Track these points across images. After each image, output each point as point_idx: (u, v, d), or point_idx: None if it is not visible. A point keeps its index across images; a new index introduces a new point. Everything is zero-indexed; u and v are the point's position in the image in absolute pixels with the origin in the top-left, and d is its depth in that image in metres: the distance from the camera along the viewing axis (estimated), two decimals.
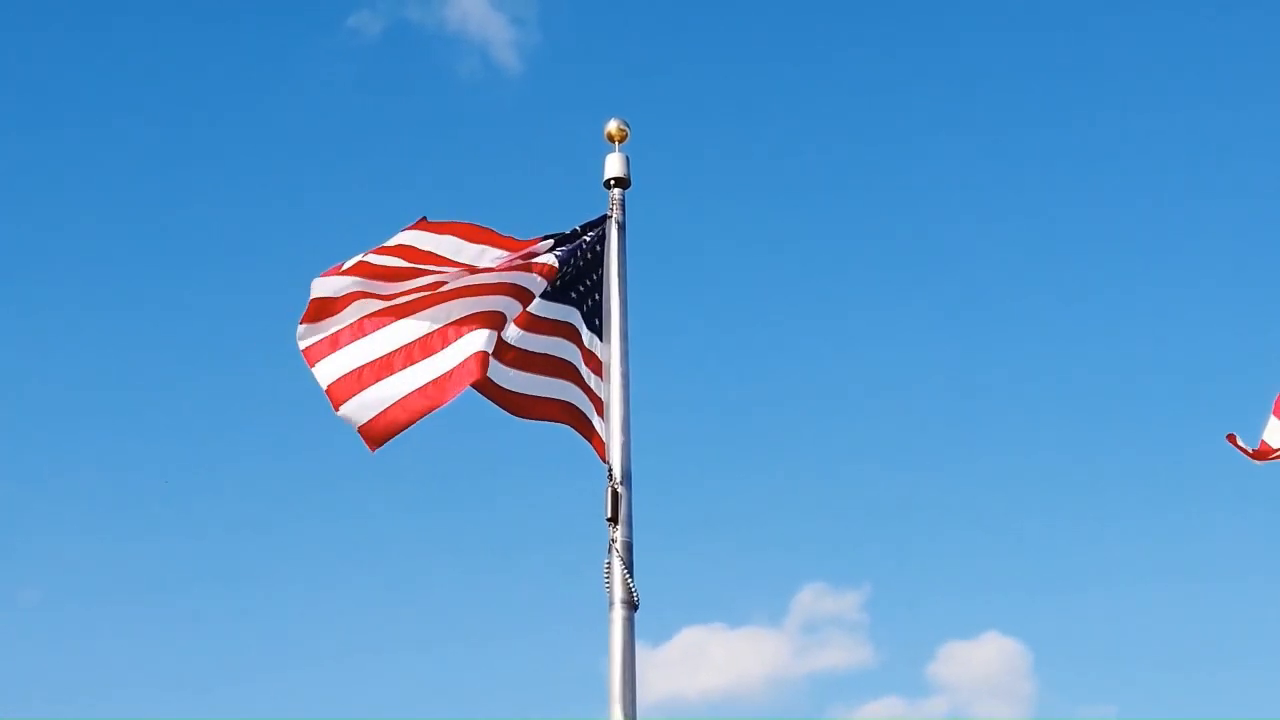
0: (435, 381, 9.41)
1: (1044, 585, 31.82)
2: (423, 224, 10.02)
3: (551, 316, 10.18)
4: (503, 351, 9.70)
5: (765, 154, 35.24)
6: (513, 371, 9.94)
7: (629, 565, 9.52)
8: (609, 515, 9.65)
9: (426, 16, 34.25)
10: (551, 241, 10.24)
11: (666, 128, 32.06)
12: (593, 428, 10.01)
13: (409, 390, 9.40)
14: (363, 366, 9.46)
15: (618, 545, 9.55)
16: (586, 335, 10.28)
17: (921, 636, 31.88)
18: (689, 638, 30.72)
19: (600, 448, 9.96)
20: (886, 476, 32.84)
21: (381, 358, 9.48)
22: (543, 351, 10.10)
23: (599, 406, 10.09)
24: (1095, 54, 35.99)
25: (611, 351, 10.22)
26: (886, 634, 31.19)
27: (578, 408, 10.05)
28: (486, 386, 9.65)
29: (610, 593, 9.44)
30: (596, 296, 10.40)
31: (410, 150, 34.28)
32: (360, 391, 9.40)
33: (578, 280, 10.28)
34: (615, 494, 9.72)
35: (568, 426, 10.05)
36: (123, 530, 30.64)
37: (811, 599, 31.94)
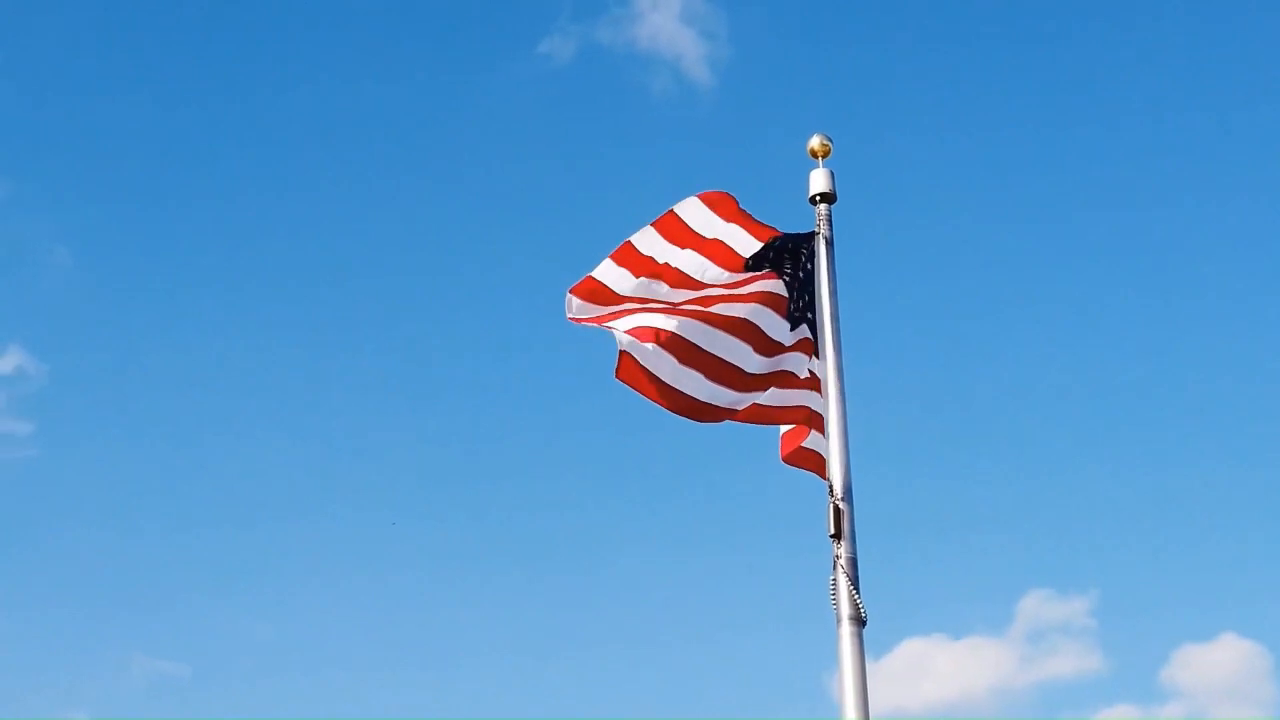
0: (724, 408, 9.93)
1: None
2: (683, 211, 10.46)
3: (799, 338, 10.31)
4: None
5: (972, 162, 34.81)
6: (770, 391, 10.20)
7: (854, 580, 9.49)
8: (832, 532, 9.65)
9: (616, 36, 34.61)
10: (782, 266, 10.35)
11: (868, 139, 31.86)
12: (813, 452, 10.06)
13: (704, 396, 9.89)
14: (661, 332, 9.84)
15: (842, 561, 9.53)
16: (815, 365, 10.32)
17: (1154, 641, 31.10)
18: (911, 649, 30.42)
19: (820, 465, 9.97)
20: (1110, 478, 32.16)
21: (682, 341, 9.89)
22: (788, 370, 10.24)
23: (819, 424, 10.10)
24: None
25: (826, 368, 10.23)
26: (1116, 639, 30.48)
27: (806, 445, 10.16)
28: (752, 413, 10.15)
29: (837, 609, 9.43)
30: (810, 315, 10.42)
31: (607, 170, 34.67)
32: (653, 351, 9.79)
33: (799, 296, 10.36)
34: (837, 510, 9.71)
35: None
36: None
37: (1036, 606, 31.39)
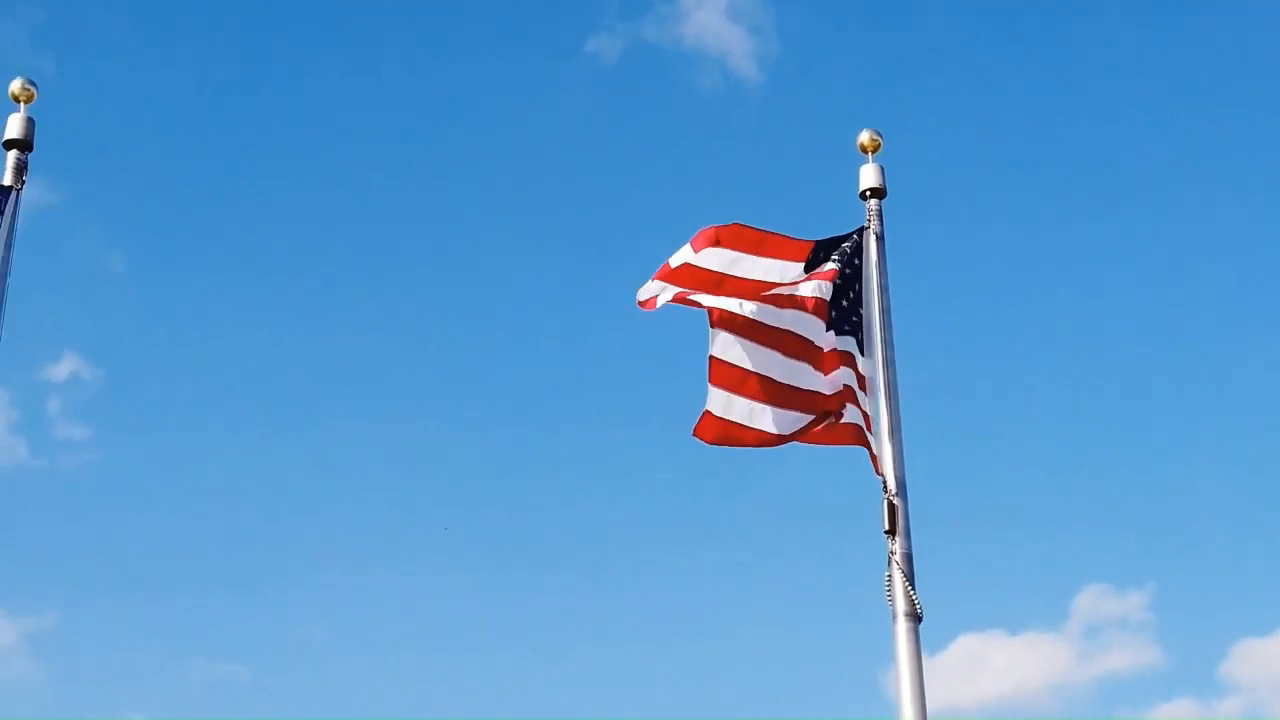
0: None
1: None
2: (722, 235, 10.32)
3: (839, 349, 10.17)
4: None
5: (1024, 155, 34.59)
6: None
7: (909, 577, 9.46)
8: (886, 528, 9.61)
9: (663, 34, 34.53)
10: (828, 268, 10.23)
11: (918, 133, 31.69)
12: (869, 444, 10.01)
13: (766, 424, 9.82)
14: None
15: (897, 557, 9.50)
16: (861, 359, 10.28)
17: (1212, 635, 30.79)
18: (967, 645, 30.24)
19: (872, 461, 9.94)
20: (1166, 472, 31.92)
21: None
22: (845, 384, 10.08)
23: (867, 421, 10.06)
24: None
25: (875, 365, 10.19)
26: (1174, 634, 30.21)
27: (860, 427, 10.08)
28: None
29: (893, 605, 9.40)
30: (861, 312, 10.35)
31: (655, 168, 34.60)
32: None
33: (840, 296, 10.26)
34: (891, 506, 9.68)
35: (858, 446, 10.08)
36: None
37: (1093, 601, 31.17)
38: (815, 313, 9.90)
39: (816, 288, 9.86)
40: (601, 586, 29.39)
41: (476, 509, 30.49)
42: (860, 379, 10.16)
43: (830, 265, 10.14)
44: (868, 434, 9.98)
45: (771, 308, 9.88)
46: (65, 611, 28.29)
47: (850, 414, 10.00)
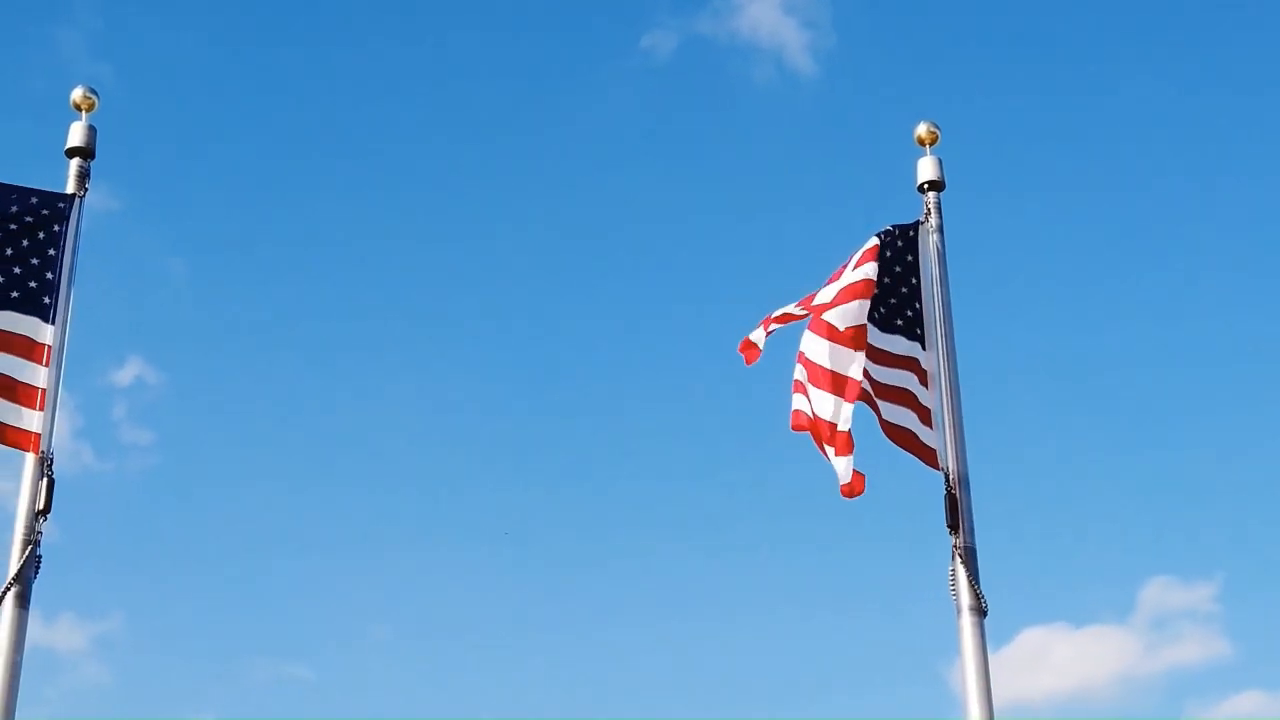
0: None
1: None
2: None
3: (894, 350, 10.12)
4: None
5: (1083, 146, 34.31)
6: (880, 403, 10.02)
7: (973, 571, 9.41)
8: (948, 522, 9.57)
9: (718, 28, 34.47)
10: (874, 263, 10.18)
11: (976, 125, 31.49)
12: (923, 443, 9.95)
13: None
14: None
15: (960, 551, 9.46)
16: (921, 356, 10.18)
17: None
18: (1031, 639, 30.05)
19: (930, 456, 9.88)
20: (1233, 462, 31.58)
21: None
22: (893, 384, 10.04)
23: (925, 416, 9.99)
24: None
25: (937, 358, 10.12)
26: (1243, 625, 29.88)
27: (917, 435, 9.99)
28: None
29: (957, 600, 9.36)
30: (917, 305, 10.28)
31: (712, 162, 34.54)
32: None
33: (891, 293, 10.17)
34: (953, 499, 9.63)
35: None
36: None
37: (1159, 593, 30.89)
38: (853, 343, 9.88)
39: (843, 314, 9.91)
40: (664, 581, 29.40)
41: (540, 509, 30.57)
42: (921, 374, 10.10)
43: (859, 277, 10.03)
44: (924, 428, 9.90)
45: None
46: (132, 614, 28.58)
47: (889, 412, 9.96)
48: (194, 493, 30.24)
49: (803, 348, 9.90)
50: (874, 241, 10.09)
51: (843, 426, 9.54)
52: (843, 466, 9.45)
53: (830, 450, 9.58)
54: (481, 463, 31.02)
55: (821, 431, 9.66)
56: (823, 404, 9.67)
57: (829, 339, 9.76)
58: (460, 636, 28.38)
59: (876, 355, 9.98)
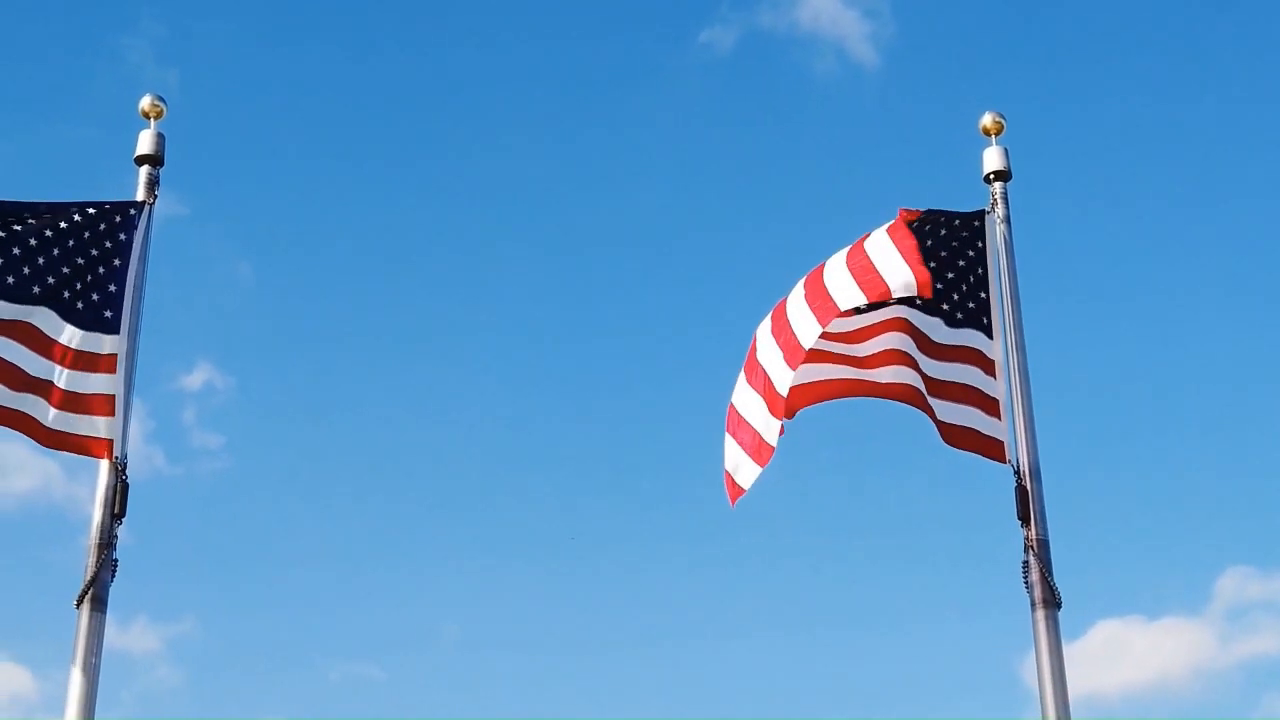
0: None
1: None
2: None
3: (955, 343, 10.01)
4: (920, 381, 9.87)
5: (1152, 134, 33.93)
6: (935, 400, 9.88)
7: (1046, 563, 9.32)
8: (1019, 514, 9.49)
9: (777, 21, 34.32)
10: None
11: (1042, 114, 31.19)
12: (938, 418, 9.81)
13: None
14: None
15: (1032, 544, 9.38)
16: (944, 333, 10.01)
17: None
18: (1105, 631, 29.77)
19: (996, 450, 9.79)
20: None
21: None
22: (950, 380, 9.94)
23: (991, 408, 9.89)
24: None
25: (1007, 348, 10.03)
26: None
27: (920, 391, 9.89)
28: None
29: (1031, 593, 9.27)
30: (983, 294, 10.19)
31: (774, 155, 34.43)
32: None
33: (956, 286, 10.09)
34: (1024, 491, 9.54)
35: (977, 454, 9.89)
36: None
37: (1235, 584, 30.51)
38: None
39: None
40: (735, 579, 29.36)
41: (606, 509, 30.62)
42: (987, 364, 10.02)
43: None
44: (991, 419, 9.82)
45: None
46: (204, 617, 28.84)
47: (946, 411, 9.85)
48: (263, 495, 30.48)
49: (758, 340, 9.80)
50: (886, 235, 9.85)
51: (770, 440, 9.49)
52: (749, 474, 9.51)
53: (739, 449, 9.59)
54: (551, 467, 31.09)
55: (744, 434, 9.62)
56: (754, 409, 9.61)
57: (780, 344, 9.60)
58: (530, 637, 28.47)
59: (933, 349, 9.91)
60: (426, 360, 32.38)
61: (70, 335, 9.37)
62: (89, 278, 9.58)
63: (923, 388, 9.83)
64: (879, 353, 9.91)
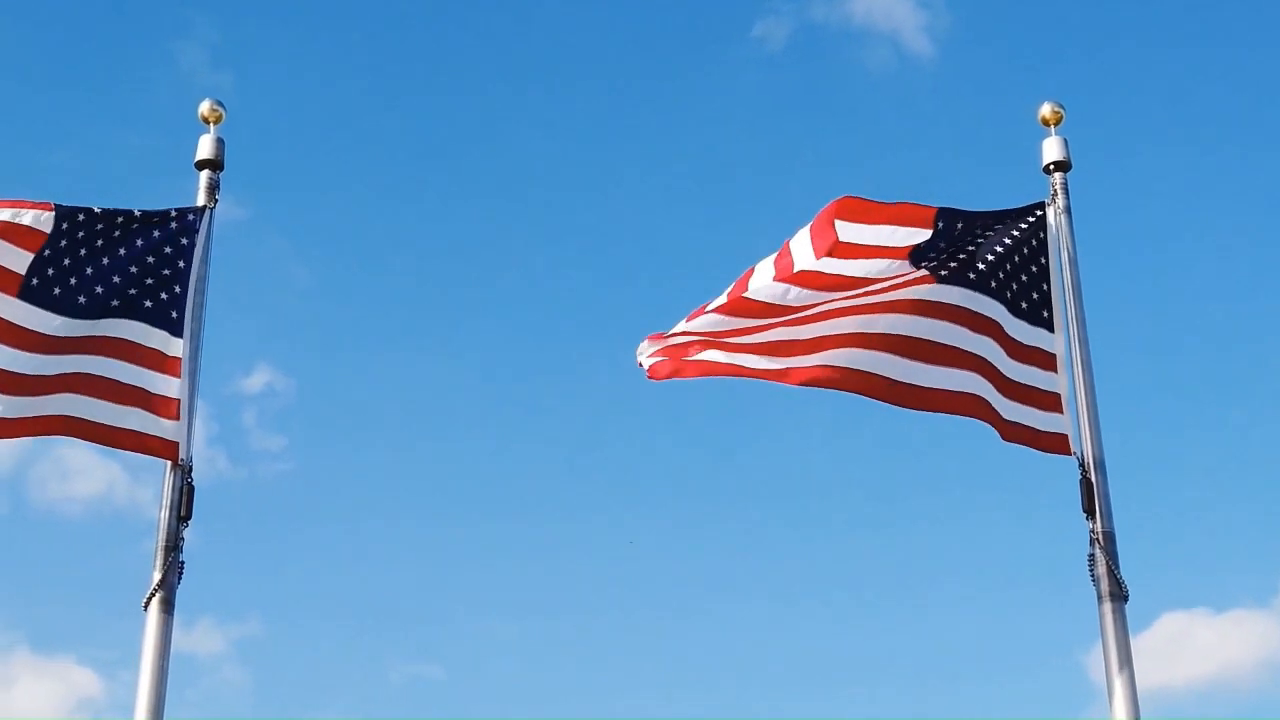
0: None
1: None
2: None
3: (960, 304, 9.75)
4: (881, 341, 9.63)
5: (1214, 126, 33.56)
6: (905, 361, 9.63)
7: (1112, 555, 9.26)
8: (1085, 506, 9.43)
9: (830, 13, 34.19)
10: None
11: (1102, 103, 30.91)
12: (1002, 417, 9.66)
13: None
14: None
15: (1098, 536, 9.32)
16: (1013, 325, 9.87)
17: None
18: (1171, 624, 29.53)
19: (1056, 444, 9.72)
20: None
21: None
22: (1015, 380, 9.76)
23: (1051, 402, 9.80)
24: None
25: (1069, 341, 9.94)
26: None
27: (985, 399, 9.67)
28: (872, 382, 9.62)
29: (1097, 586, 9.21)
30: (1045, 286, 10.09)
31: (830, 148, 34.30)
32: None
33: (997, 268, 9.97)
34: (1089, 484, 9.49)
35: (974, 419, 9.70)
36: None
37: None
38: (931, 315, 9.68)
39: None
40: (797, 570, 29.30)
41: (660, 514, 30.60)
42: (1047, 358, 9.93)
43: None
44: (1043, 413, 9.75)
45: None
46: (268, 617, 29.05)
47: (1009, 410, 9.70)
48: (325, 496, 30.68)
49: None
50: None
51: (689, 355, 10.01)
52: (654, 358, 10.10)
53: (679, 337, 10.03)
54: (603, 469, 31.11)
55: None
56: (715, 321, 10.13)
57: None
58: (587, 635, 28.51)
59: (1010, 346, 9.84)
60: (480, 364, 32.50)
61: (141, 332, 9.55)
62: (162, 274, 9.71)
63: (993, 389, 9.72)
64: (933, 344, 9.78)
